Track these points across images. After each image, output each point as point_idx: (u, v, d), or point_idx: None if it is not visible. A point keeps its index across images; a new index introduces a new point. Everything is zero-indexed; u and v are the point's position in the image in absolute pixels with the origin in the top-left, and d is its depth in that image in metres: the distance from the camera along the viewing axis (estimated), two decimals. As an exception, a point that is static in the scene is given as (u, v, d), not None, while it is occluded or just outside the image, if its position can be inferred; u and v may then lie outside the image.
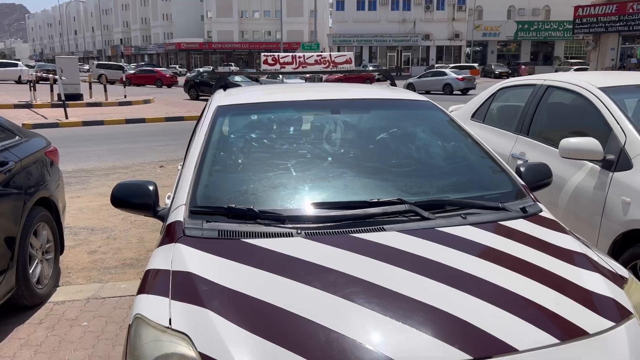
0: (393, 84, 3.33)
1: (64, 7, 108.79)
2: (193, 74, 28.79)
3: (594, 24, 31.57)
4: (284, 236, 1.83)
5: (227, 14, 72.79)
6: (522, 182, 2.28)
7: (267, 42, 73.15)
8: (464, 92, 27.84)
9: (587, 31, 32.46)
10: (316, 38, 29.88)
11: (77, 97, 19.59)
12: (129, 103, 21.03)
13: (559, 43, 55.38)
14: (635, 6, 29.38)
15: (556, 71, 43.66)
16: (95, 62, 45.64)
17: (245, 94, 2.96)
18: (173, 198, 2.22)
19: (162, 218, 2.16)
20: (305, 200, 2.09)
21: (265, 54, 3.23)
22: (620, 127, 3.25)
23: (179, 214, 1.99)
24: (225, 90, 3.17)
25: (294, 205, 2.05)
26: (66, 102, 16.18)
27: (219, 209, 1.97)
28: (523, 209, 2.07)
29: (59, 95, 17.33)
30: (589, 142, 3.24)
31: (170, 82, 37.30)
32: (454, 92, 27.85)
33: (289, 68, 3.21)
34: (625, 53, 31.19)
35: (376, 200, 1.99)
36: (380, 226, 1.87)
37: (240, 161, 2.37)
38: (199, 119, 3.21)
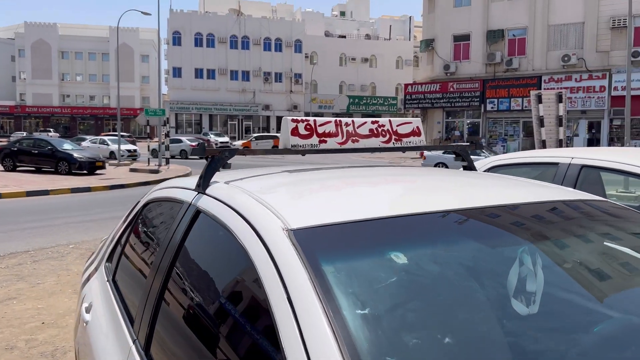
0: (472, 167, 2.11)
1: None
2: (11, 141, 24.38)
3: (422, 100, 34.80)
4: None
5: (45, 76, 66.02)
6: None
7: (92, 107, 67.72)
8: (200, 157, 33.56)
9: (416, 106, 35.60)
10: (159, 104, 27.72)
11: None
12: None
13: (385, 116, 60.42)
14: (455, 85, 33.13)
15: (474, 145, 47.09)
16: None
17: (301, 191, 1.48)
18: None
19: None
20: None
21: (294, 118, 1.78)
22: None
23: None
24: (224, 172, 1.65)
25: None
26: None
27: None
28: None
29: None
30: None
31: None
32: (189, 157, 33.43)
33: (332, 142, 1.81)
34: (450, 126, 34.73)
35: None
36: None
37: None
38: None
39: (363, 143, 1.89)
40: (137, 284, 1.78)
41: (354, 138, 1.86)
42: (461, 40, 33.27)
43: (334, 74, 58.39)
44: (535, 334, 1.23)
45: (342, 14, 68.25)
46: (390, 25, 63.99)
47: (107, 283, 2.11)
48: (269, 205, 1.26)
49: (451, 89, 33.31)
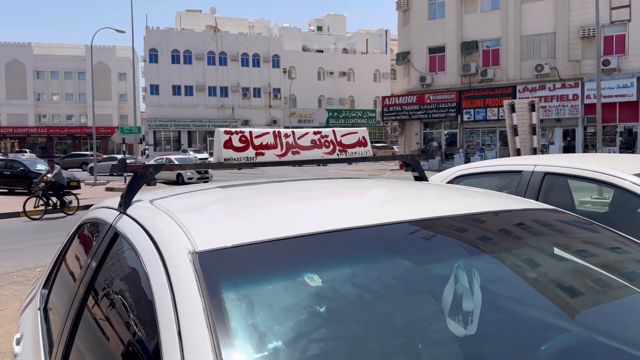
0: (423, 177, 2.03)
1: None
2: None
3: (399, 112, 35.02)
4: None
5: (20, 96, 64.95)
6: None
7: (70, 127, 66.73)
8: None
9: (394, 118, 35.82)
10: (135, 122, 27.40)
11: None
12: None
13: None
14: (431, 97, 33.44)
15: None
16: None
17: (221, 208, 1.38)
18: None
19: None
20: None
21: (227, 130, 1.68)
22: None
23: None
24: (147, 192, 1.54)
25: None
26: None
27: None
28: None
29: None
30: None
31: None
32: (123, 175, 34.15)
33: (270, 154, 1.71)
34: (428, 137, 34.96)
35: None
36: None
37: None
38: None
39: (305, 155, 1.79)
40: (60, 309, 1.65)
41: (294, 150, 1.77)
42: (436, 52, 33.68)
43: (312, 88, 58.60)
44: (475, 356, 1.14)
45: (319, 28, 68.71)
46: (367, 39, 64.60)
47: (38, 311, 1.97)
48: (183, 226, 1.16)
49: (428, 101, 33.60)
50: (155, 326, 0.92)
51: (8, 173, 20.44)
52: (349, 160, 1.88)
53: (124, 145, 24.57)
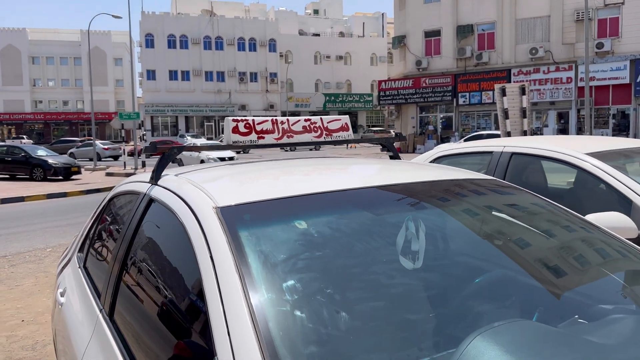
0: (396, 157, 2.44)
1: None
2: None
3: (395, 96, 35.31)
4: None
5: (15, 82, 64.80)
6: None
7: (66, 112, 66.74)
8: (115, 158, 35.60)
9: (390, 102, 36.12)
10: (133, 108, 27.67)
11: None
12: None
13: (361, 113, 60.99)
14: (427, 81, 33.71)
15: (362, 137, 47.63)
16: None
17: (236, 179, 1.79)
18: None
19: None
20: None
21: (235, 118, 2.08)
22: (645, 198, 2.82)
23: None
24: (176, 170, 1.94)
25: None
26: None
27: None
28: None
29: None
30: (620, 218, 2.74)
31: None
32: (102, 159, 35.03)
33: (269, 138, 2.12)
34: (423, 121, 35.32)
35: None
36: None
37: (342, 330, 1.20)
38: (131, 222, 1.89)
39: (297, 138, 2.19)
40: (102, 266, 2.06)
41: (289, 134, 2.17)
42: (432, 36, 33.87)
43: (309, 72, 58.69)
44: (421, 283, 1.56)
45: (316, 12, 68.53)
46: (364, 23, 64.51)
47: (79, 269, 2.39)
48: (206, 191, 1.57)
49: (424, 84, 33.89)
50: (195, 261, 1.32)
51: (9, 159, 20.78)
52: (334, 143, 2.28)
53: (122, 130, 24.87)
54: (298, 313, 1.18)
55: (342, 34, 63.30)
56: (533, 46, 30.37)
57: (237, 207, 1.43)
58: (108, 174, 22.91)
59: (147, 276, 1.67)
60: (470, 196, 1.80)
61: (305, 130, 2.22)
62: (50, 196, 15.81)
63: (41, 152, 21.20)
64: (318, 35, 61.55)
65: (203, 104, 54.12)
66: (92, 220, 2.61)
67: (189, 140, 41.19)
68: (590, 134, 27.85)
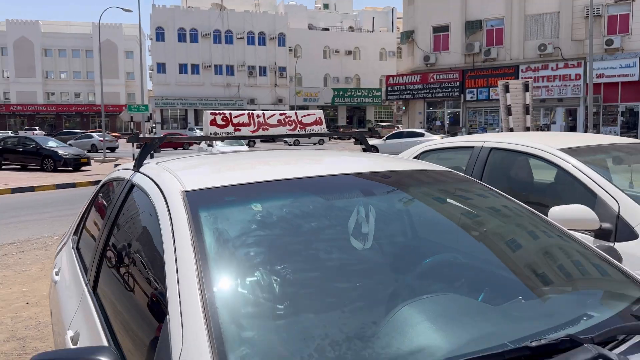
0: (369, 149, 2.61)
1: None
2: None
3: (403, 91, 35.35)
4: None
5: (28, 74, 65.57)
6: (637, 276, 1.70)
7: (78, 104, 67.43)
8: (112, 150, 35.91)
9: (397, 97, 36.16)
10: (142, 100, 28.02)
11: None
12: None
13: (369, 108, 61.00)
14: (435, 76, 33.71)
15: (370, 132, 47.73)
16: None
17: (208, 168, 1.97)
18: None
19: None
20: (423, 357, 1.21)
21: (212, 111, 2.26)
22: (608, 193, 2.97)
23: None
24: (153, 159, 2.13)
25: None
26: None
27: None
28: None
29: None
30: (583, 210, 2.89)
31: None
32: (98, 150, 34.82)
33: (245, 130, 2.30)
34: (431, 116, 35.34)
35: (539, 342, 1.21)
36: None
37: (277, 295, 1.38)
38: (115, 207, 2.08)
39: (272, 131, 2.37)
40: (90, 246, 2.27)
41: (264, 127, 2.35)
42: (440, 31, 33.83)
43: (318, 66, 58.76)
44: (371, 260, 1.74)
45: (326, 6, 68.45)
46: (373, 17, 64.40)
47: (72, 250, 2.60)
48: (178, 177, 1.76)
49: (431, 80, 33.89)
50: (159, 234, 1.51)
51: (21, 150, 21.17)
52: (308, 135, 2.45)
53: (131, 123, 25.21)
54: (240, 280, 1.37)
55: (351, 29, 63.24)
56: (542, 42, 30.26)
57: (201, 191, 1.62)
58: (117, 166, 23.25)
59: (124, 252, 1.87)
60: (423, 185, 1.98)
61: (280, 123, 2.40)
62: (59, 186, 16.14)
63: (52, 144, 21.58)
64: (327, 29, 61.55)
65: (212, 97, 54.44)
66: (86, 206, 2.82)
67: (198, 133, 41.54)
68: (598, 131, 27.75)
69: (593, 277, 1.72)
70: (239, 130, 2.28)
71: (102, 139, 36.84)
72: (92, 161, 23.08)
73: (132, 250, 1.80)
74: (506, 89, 14.25)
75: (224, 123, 2.25)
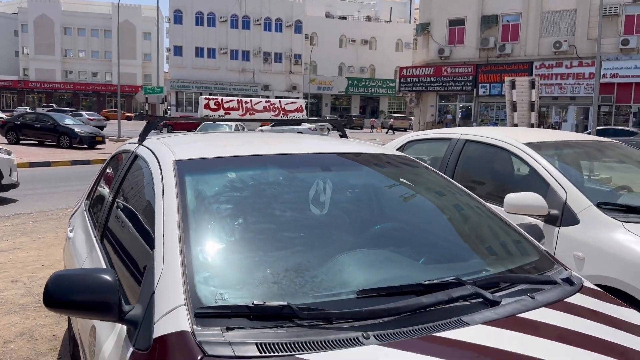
0: (344, 136, 3.00)
1: None
2: (14, 115, 25.30)
3: (416, 83, 35.47)
4: (351, 344, 1.33)
5: (47, 52, 66.43)
6: (544, 248, 2.09)
7: (95, 84, 68.26)
8: (101, 129, 37.11)
9: (410, 89, 36.29)
10: (157, 82, 28.55)
11: None
12: None
13: (383, 99, 61.08)
14: (448, 70, 33.77)
15: (382, 123, 47.81)
16: None
17: (200, 144, 2.37)
18: (143, 294, 1.56)
19: (135, 324, 1.49)
20: (342, 288, 1.61)
21: (207, 97, 2.67)
22: (559, 183, 3.33)
23: (178, 320, 1.36)
24: (155, 136, 2.54)
25: (332, 296, 1.56)
26: None
27: (241, 308, 1.39)
28: (569, 281, 1.85)
29: None
30: (534, 198, 3.26)
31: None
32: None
33: (234, 114, 2.73)
34: (442, 109, 35.46)
35: (432, 281, 1.60)
36: (458, 318, 1.49)
37: (238, 238, 1.79)
38: (121, 173, 2.50)
39: (258, 115, 2.80)
40: (99, 206, 2.70)
41: (251, 112, 2.78)
42: (456, 24, 33.83)
43: (333, 55, 58.85)
44: (327, 225, 2.14)
45: (344, -5, 68.27)
46: (391, 8, 64.18)
47: (84, 212, 3.04)
48: (172, 150, 2.16)
49: (445, 73, 33.97)
50: (153, 192, 1.92)
51: (38, 126, 21.78)
52: (289, 121, 2.84)
53: (146, 104, 25.77)
54: (211, 226, 1.78)
55: (368, 18, 63.13)
56: (557, 40, 30.18)
57: (188, 161, 2.03)
58: (130, 146, 23.78)
59: (126, 209, 2.29)
60: (376, 165, 2.37)
61: (265, 109, 2.83)
62: (74, 162, 16.71)
63: (68, 121, 22.16)
64: (344, 18, 61.52)
65: (227, 82, 54.85)
66: (98, 174, 3.26)
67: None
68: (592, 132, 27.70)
69: (506, 244, 2.11)
70: (229, 113, 2.70)
71: (91, 117, 36.78)
72: (107, 140, 23.64)
73: (131, 205, 2.22)
74: (512, 85, 14.47)
75: (216, 107, 2.69)
